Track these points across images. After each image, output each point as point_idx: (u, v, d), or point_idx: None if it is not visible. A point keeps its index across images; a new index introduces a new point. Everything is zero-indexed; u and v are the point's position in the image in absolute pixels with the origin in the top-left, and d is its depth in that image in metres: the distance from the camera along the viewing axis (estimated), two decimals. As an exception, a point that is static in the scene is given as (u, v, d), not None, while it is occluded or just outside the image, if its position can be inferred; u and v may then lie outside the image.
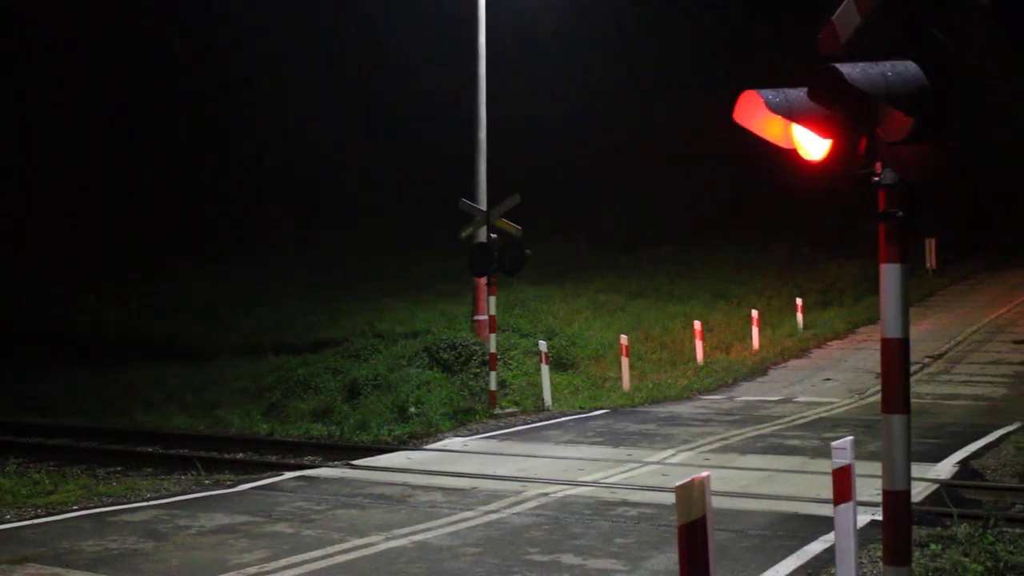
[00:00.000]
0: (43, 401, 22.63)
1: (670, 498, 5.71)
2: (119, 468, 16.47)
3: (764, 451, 14.69)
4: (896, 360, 6.01)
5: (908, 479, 6.01)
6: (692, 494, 5.60)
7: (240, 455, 17.25)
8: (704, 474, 5.76)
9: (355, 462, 14.71)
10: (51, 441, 19.19)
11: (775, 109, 5.77)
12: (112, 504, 12.06)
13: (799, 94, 5.80)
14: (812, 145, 5.93)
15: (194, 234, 41.66)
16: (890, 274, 5.97)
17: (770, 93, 5.86)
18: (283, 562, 9.20)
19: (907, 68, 5.52)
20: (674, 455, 14.46)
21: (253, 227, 42.26)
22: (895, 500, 6.00)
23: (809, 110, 5.74)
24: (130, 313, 32.15)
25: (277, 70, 48.25)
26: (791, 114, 5.81)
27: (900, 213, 5.94)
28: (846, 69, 5.42)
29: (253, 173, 45.67)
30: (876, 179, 5.97)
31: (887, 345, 6.03)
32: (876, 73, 5.48)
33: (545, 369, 19.93)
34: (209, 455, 16.93)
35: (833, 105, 5.57)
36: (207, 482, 13.89)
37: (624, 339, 21.92)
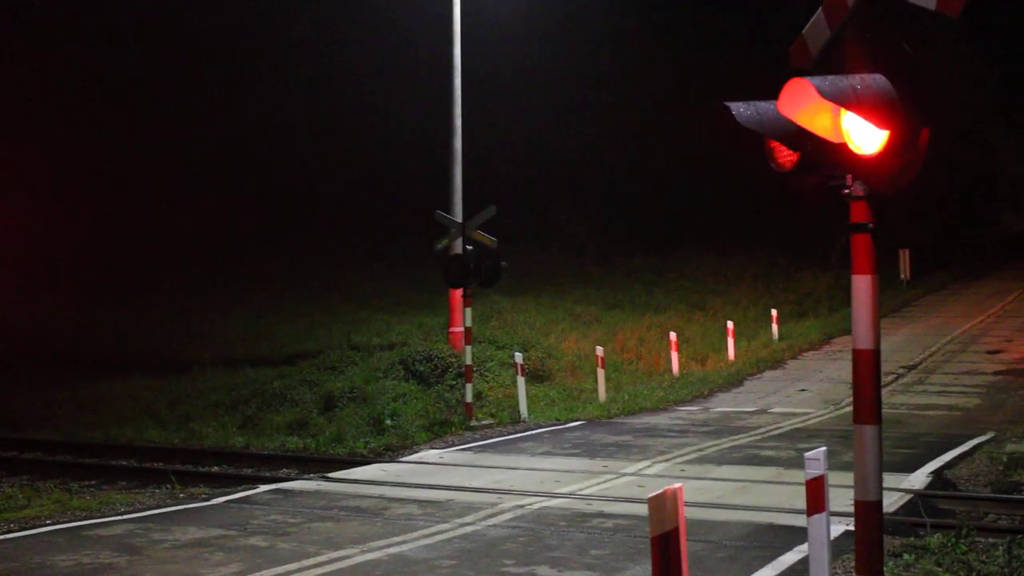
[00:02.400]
0: (15, 415, 22.46)
1: (646, 509, 5.72)
2: (93, 482, 16.36)
3: (739, 462, 14.73)
4: (867, 371, 6.04)
5: (880, 489, 6.04)
6: (665, 505, 5.61)
7: (215, 468, 17.18)
8: (676, 485, 5.78)
9: (330, 475, 14.68)
10: (24, 455, 19.05)
11: (745, 122, 5.81)
12: (86, 518, 11.99)
13: (770, 107, 5.83)
14: (783, 157, 5.97)
15: (166, 245, 41.41)
16: (861, 285, 6.01)
17: (741, 106, 5.90)
18: (257, 576, 9.18)
19: (876, 81, 5.57)
20: (650, 466, 14.49)
21: (226, 238, 42.06)
22: (867, 510, 6.03)
23: (779, 123, 5.78)
24: (102, 325, 31.95)
25: (249, 79, 48.07)
26: (762, 127, 5.85)
27: (871, 225, 5.98)
28: (816, 82, 5.46)
29: (225, 183, 45.44)
30: (847, 191, 6.01)
31: (858, 356, 6.07)
32: (846, 86, 5.52)
33: (521, 381, 19.93)
34: (184, 468, 16.85)
35: (802, 118, 5.61)
36: (182, 496, 13.84)
37: (600, 350, 21.94)
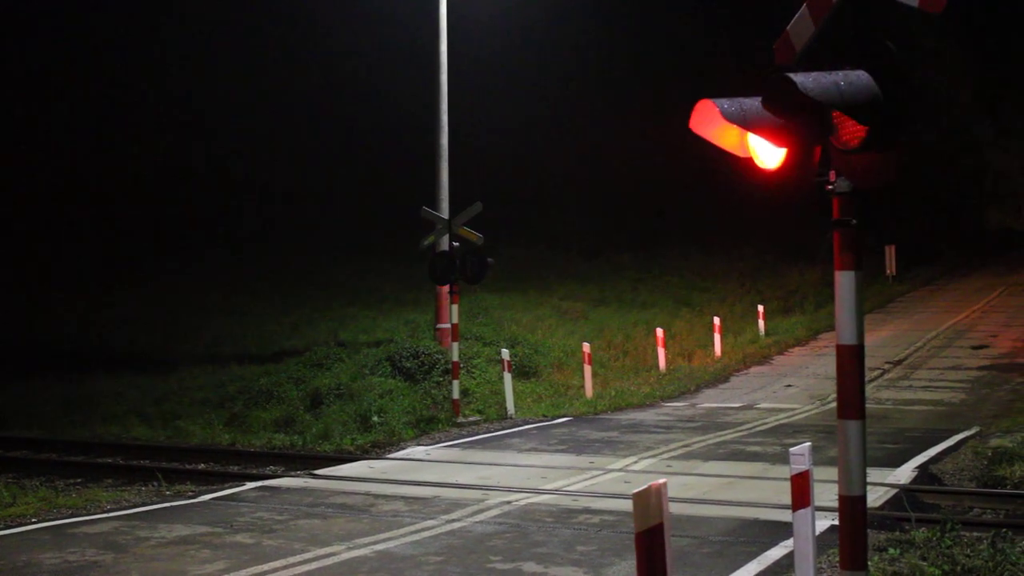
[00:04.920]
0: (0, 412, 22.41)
1: (631, 505, 5.74)
2: (79, 480, 16.31)
3: (726, 458, 14.76)
4: (851, 366, 6.06)
5: (864, 484, 6.06)
6: (649, 501, 5.62)
7: (201, 466, 17.15)
8: (661, 481, 5.78)
9: (317, 472, 14.66)
10: (9, 453, 18.98)
11: (730, 118, 5.81)
12: (71, 516, 11.96)
13: (754, 103, 5.84)
14: (767, 154, 5.98)
15: (152, 242, 41.31)
16: (844, 281, 6.03)
17: (725, 102, 5.90)
18: (244, 573, 9.16)
19: (860, 78, 5.58)
20: (636, 462, 14.51)
21: (212, 235, 41.98)
22: (851, 505, 6.05)
23: (764, 119, 5.78)
24: (88, 323, 31.86)
25: (234, 78, 47.96)
26: (746, 123, 5.85)
27: (854, 221, 5.99)
28: (800, 78, 5.47)
29: (211, 181, 45.35)
30: (830, 187, 6.03)
31: (842, 351, 6.09)
32: (829, 82, 5.53)
33: (508, 377, 19.93)
34: (170, 466, 16.81)
35: (786, 114, 5.62)
36: (168, 493, 13.81)
37: (587, 347, 21.97)
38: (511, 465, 14.59)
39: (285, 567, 9.33)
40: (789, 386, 22.53)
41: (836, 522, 9.42)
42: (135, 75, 47.52)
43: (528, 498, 12.22)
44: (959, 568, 8.82)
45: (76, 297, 34.96)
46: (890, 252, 37.91)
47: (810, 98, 5.45)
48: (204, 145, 46.55)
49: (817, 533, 7.67)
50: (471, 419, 19.26)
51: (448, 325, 20.92)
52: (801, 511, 7.31)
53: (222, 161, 46.32)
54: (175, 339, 29.27)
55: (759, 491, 12.30)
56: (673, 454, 15.09)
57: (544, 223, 42.80)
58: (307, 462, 16.17)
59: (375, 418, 18.91)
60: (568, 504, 11.87)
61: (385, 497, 12.56)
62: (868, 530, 7.21)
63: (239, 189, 45.48)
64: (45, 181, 44.13)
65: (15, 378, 25.27)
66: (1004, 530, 10.03)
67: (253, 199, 45.12)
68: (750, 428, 17.50)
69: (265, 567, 9.33)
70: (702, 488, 12.53)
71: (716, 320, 27.60)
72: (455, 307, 20.04)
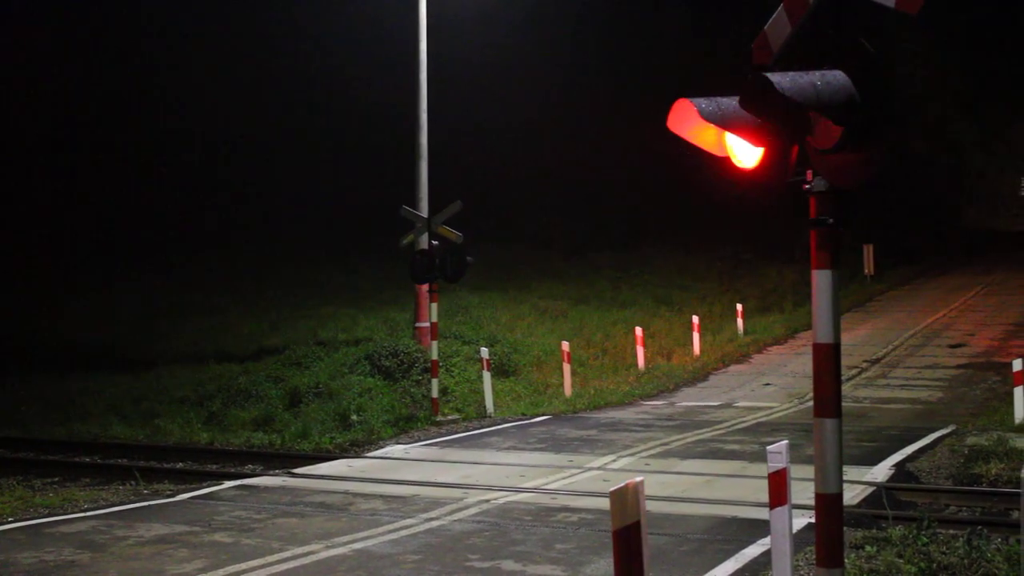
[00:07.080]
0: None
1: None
2: (56, 479, 16.24)
3: (704, 456, 14.81)
4: (827, 365, 6.09)
5: (840, 482, 6.09)
6: (626, 499, 5.63)
7: (180, 464, 17.09)
8: (638, 479, 5.80)
9: (296, 471, 14.64)
10: (-14, 452, 18.90)
11: (708, 117, 5.83)
12: (48, 515, 11.91)
13: (732, 102, 5.85)
14: (744, 153, 5.99)
15: (129, 240, 41.09)
16: (821, 280, 6.05)
17: (703, 101, 5.91)
18: (222, 572, 9.15)
19: (836, 77, 5.60)
20: (615, 461, 14.54)
21: (190, 233, 41.81)
22: (827, 503, 6.07)
23: (741, 119, 5.79)
24: (65, 322, 31.68)
25: (211, 75, 47.76)
26: (724, 123, 5.86)
27: (831, 220, 6.01)
28: (776, 78, 5.48)
29: (188, 178, 45.17)
30: (807, 187, 6.05)
31: (818, 350, 6.12)
32: (806, 82, 5.54)
33: (487, 376, 19.94)
34: (148, 465, 16.75)
35: (763, 114, 5.63)
36: (145, 492, 13.76)
37: (566, 345, 21.99)
38: (490, 464, 14.60)
39: (263, 566, 9.32)
40: (767, 384, 22.62)
41: (813, 520, 9.48)
42: (117, 74, 47.26)
43: (507, 496, 12.23)
44: (935, 565, 8.88)
45: (53, 295, 34.77)
46: (868, 251, 38.07)
47: (787, 98, 5.46)
48: (178, 141, 46.32)
49: (794, 531, 7.71)
50: (450, 418, 19.27)
51: (427, 324, 20.91)
52: (778, 509, 7.34)
53: (201, 159, 46.15)
54: (153, 337, 29.13)
55: (737, 489, 12.34)
56: (651, 452, 15.13)
57: (524, 222, 42.80)
58: (286, 461, 16.15)
59: (354, 417, 18.89)
60: (547, 502, 11.89)
61: (364, 496, 12.56)
62: (845, 528, 7.26)
63: (217, 187, 45.31)
64: (24, 174, 43.85)
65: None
66: (980, 527, 10.08)
67: (232, 197, 44.94)
68: (728, 426, 17.56)
69: (243, 566, 9.32)
70: (680, 486, 12.57)
71: (695, 319, 27.65)
72: (434, 306, 20.04)
